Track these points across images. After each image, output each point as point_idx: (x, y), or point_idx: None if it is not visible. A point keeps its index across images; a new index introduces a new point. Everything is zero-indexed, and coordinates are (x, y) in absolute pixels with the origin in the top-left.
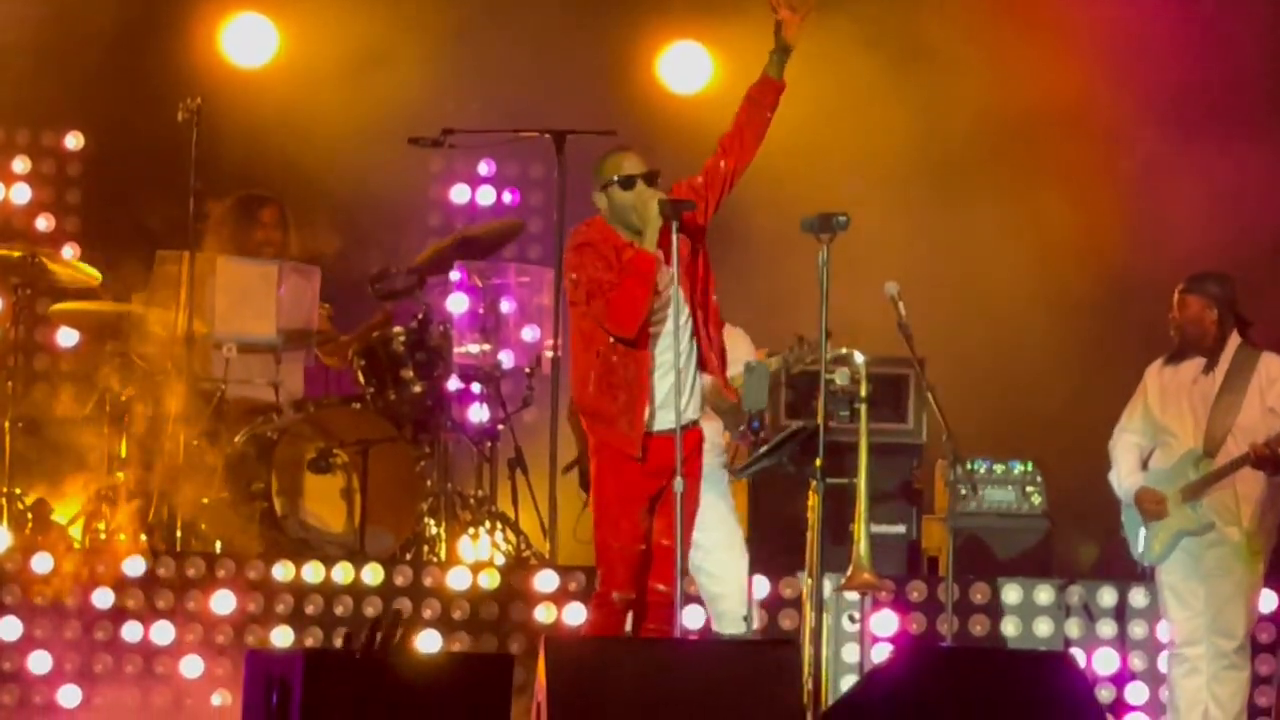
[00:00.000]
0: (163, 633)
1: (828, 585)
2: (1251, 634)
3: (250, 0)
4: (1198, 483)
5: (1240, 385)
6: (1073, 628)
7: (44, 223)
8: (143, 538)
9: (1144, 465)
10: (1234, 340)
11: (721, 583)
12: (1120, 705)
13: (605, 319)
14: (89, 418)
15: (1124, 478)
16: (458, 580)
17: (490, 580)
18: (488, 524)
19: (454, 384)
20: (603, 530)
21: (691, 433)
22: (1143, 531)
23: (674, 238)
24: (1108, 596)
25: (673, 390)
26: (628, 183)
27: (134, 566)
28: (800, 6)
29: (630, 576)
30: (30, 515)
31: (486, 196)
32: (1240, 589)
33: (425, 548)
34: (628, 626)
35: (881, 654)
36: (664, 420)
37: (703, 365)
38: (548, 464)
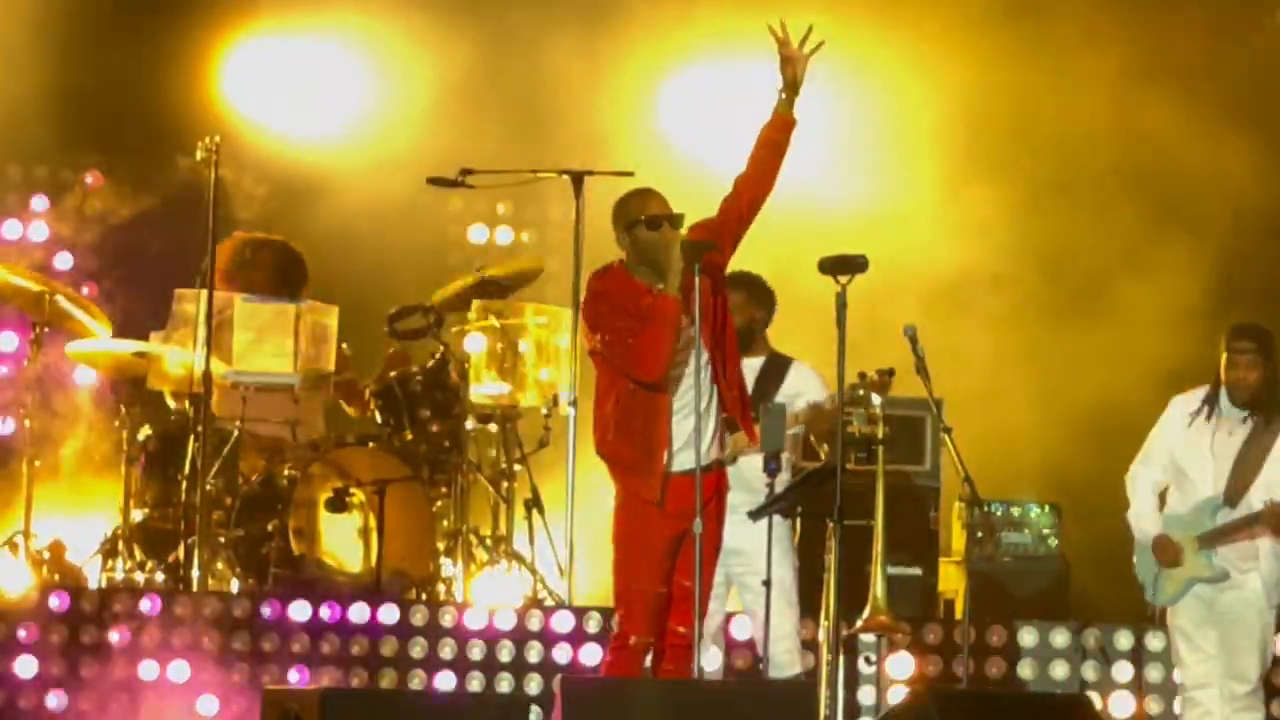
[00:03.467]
0: (179, 671)
1: (844, 627)
2: (1266, 677)
3: (270, 39)
4: (1215, 532)
5: (1268, 440)
6: (1089, 671)
7: (62, 260)
8: (159, 576)
9: (1161, 503)
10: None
11: (777, 628)
12: None
13: (630, 366)
14: (105, 456)
15: (1143, 518)
16: (474, 620)
17: (507, 621)
18: (504, 564)
19: (471, 424)
20: (623, 574)
21: (712, 476)
22: (1155, 574)
23: (696, 280)
24: (1124, 640)
25: (693, 432)
26: (654, 223)
27: (150, 605)
28: (797, 49)
29: (649, 621)
30: (47, 554)
31: (504, 236)
32: (1254, 633)
33: (442, 588)
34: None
35: (897, 696)
36: (684, 462)
37: (722, 405)
38: (565, 504)
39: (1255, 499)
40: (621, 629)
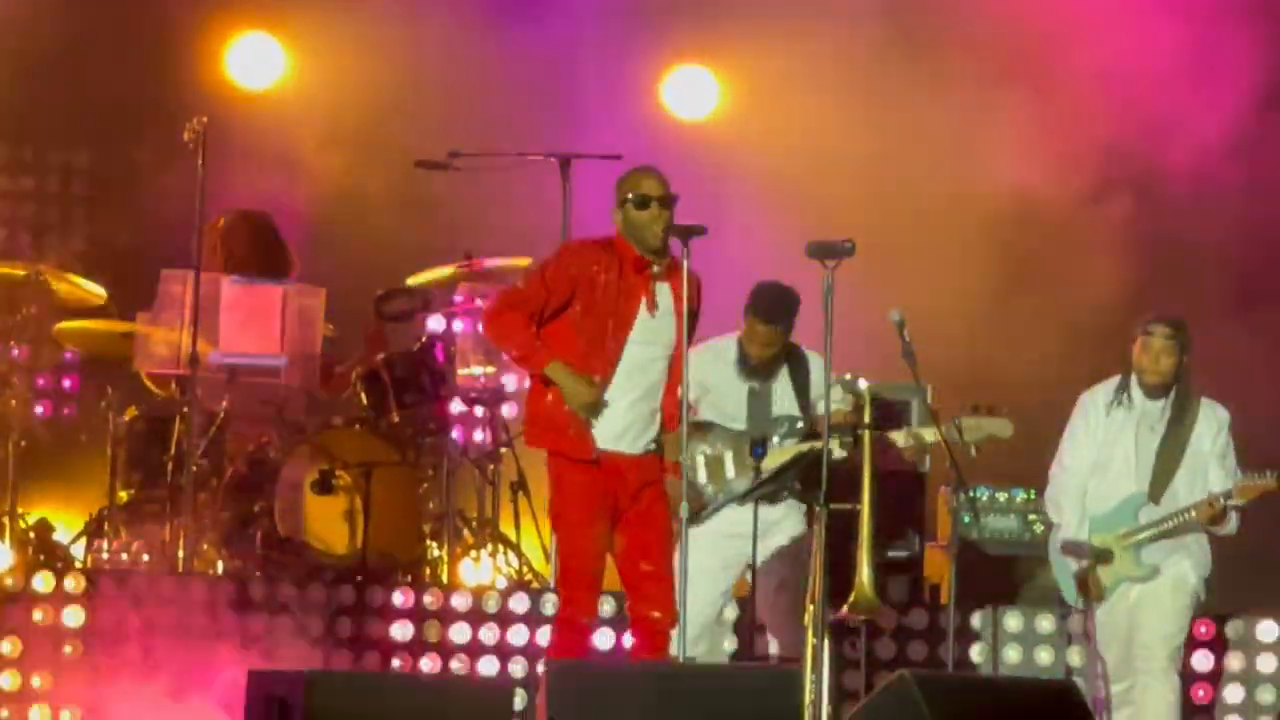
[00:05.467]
0: (164, 652)
1: (830, 611)
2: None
3: (258, 21)
4: (1142, 529)
5: (1185, 433)
6: (1074, 656)
7: (50, 241)
8: (144, 557)
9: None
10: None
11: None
12: None
13: (486, 316)
14: (92, 437)
15: (1075, 530)
16: (459, 603)
17: (492, 603)
18: (490, 546)
19: (457, 406)
20: (562, 549)
21: (651, 458)
22: (1076, 574)
23: (685, 262)
24: None
25: (632, 421)
26: (642, 202)
27: (135, 585)
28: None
29: (593, 596)
30: (32, 535)
31: (492, 219)
32: (1166, 616)
33: (427, 570)
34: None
35: (883, 680)
36: (618, 443)
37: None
38: (549, 486)
39: (1180, 493)
40: (565, 608)
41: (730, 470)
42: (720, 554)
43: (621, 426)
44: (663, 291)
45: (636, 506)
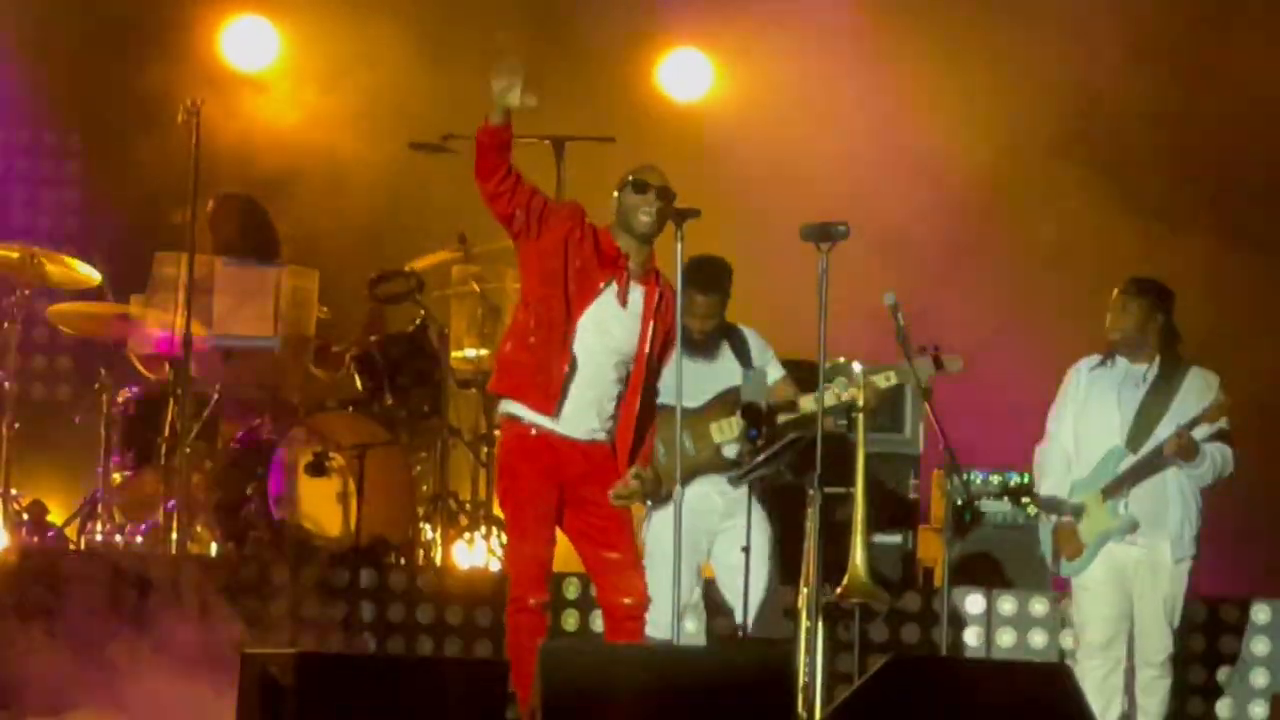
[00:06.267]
0: (157, 634)
1: (823, 594)
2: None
3: (251, 3)
4: (1120, 478)
5: (1167, 393)
6: (1068, 639)
7: (43, 223)
8: (137, 539)
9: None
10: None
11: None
12: None
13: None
14: (86, 419)
15: (1052, 493)
16: (453, 585)
17: (486, 585)
18: (484, 529)
19: (451, 389)
20: (512, 533)
21: (594, 447)
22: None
23: (678, 246)
24: None
25: (586, 403)
26: (640, 186)
27: (128, 567)
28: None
29: (542, 579)
30: (26, 516)
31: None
32: (1165, 606)
33: (421, 552)
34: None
35: (876, 664)
36: (571, 427)
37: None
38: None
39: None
40: (516, 591)
41: (690, 449)
42: (687, 536)
43: (567, 408)
44: (635, 294)
45: (586, 492)
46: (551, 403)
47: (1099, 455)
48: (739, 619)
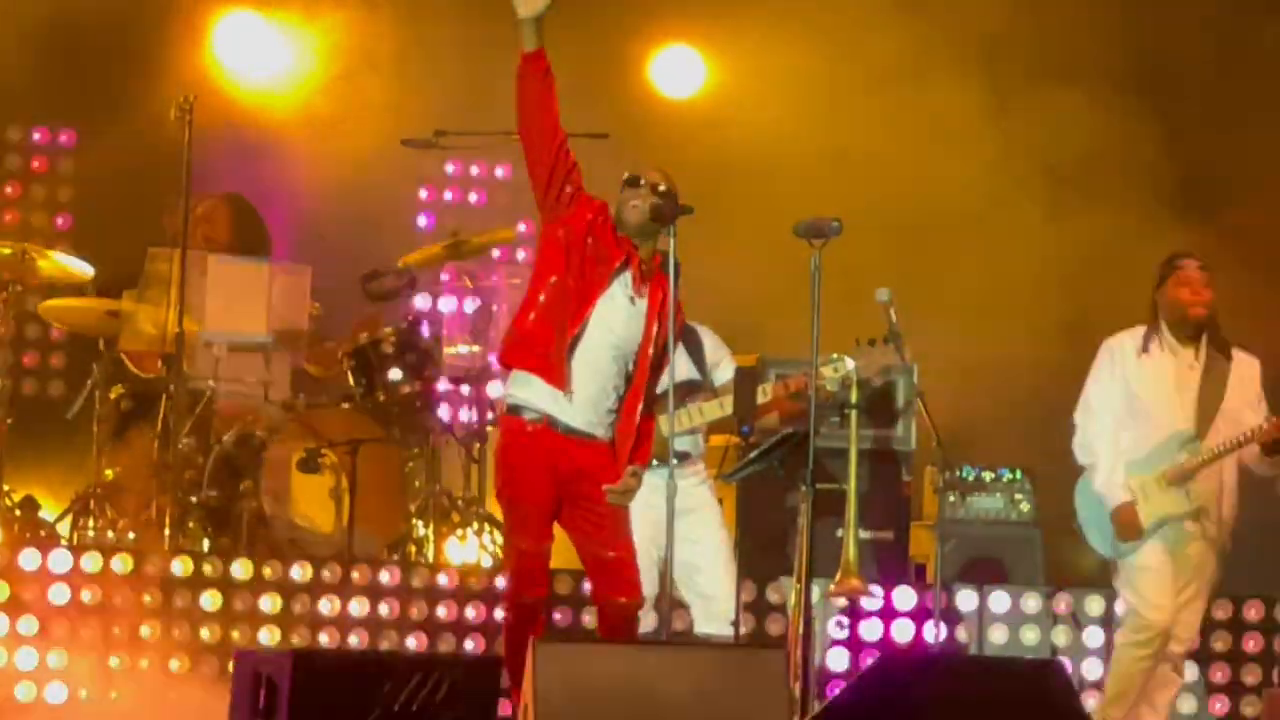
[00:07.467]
0: (149, 630)
1: (815, 590)
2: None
3: (245, 0)
4: (1189, 466)
5: (1221, 373)
6: (1060, 635)
7: (36, 219)
8: (130, 535)
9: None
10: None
11: (717, 583)
12: None
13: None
14: (78, 415)
15: (1110, 474)
16: (445, 581)
17: (478, 582)
18: (476, 525)
19: (443, 385)
20: (509, 529)
21: (592, 443)
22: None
23: (671, 242)
24: (1095, 605)
25: (588, 395)
26: (633, 180)
27: (120, 564)
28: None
29: (537, 575)
30: (18, 512)
31: (477, 198)
32: (1202, 593)
33: (413, 548)
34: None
35: (868, 660)
36: (571, 415)
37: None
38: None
39: (1222, 429)
40: (513, 587)
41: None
42: (646, 529)
43: (574, 400)
44: (644, 292)
45: (583, 489)
46: (563, 380)
47: (1158, 438)
48: (694, 616)
